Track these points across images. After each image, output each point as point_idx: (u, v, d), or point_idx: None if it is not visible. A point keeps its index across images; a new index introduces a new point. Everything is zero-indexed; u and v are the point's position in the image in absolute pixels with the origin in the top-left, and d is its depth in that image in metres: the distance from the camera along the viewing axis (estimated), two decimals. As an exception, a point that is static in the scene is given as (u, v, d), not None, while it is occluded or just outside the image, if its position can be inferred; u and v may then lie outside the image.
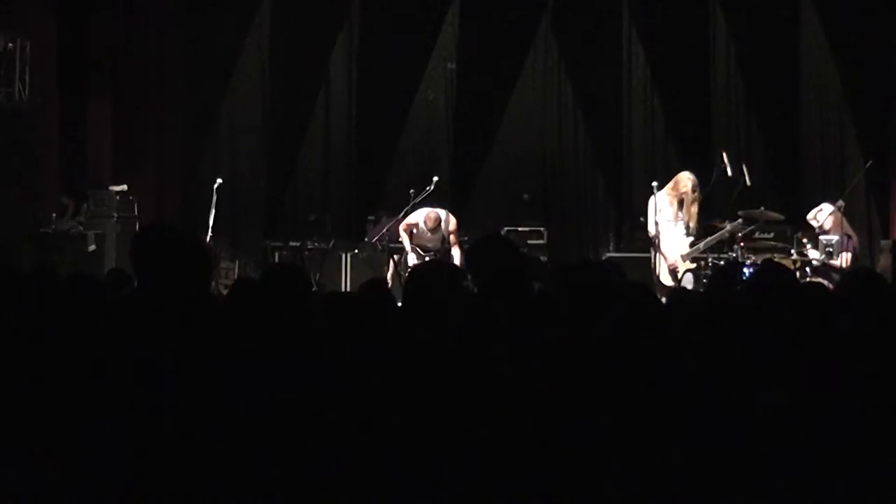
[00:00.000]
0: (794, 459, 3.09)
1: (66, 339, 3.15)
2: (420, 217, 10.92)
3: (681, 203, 10.24)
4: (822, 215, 10.37)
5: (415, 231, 11.00)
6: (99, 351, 3.01)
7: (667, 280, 10.09)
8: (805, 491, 3.04)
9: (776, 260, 10.32)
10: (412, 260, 10.79)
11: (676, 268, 10.11)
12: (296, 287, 3.53)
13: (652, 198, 10.30)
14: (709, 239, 10.23)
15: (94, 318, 3.31)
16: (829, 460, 3.08)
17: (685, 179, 10.31)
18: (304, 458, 2.98)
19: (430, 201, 11.12)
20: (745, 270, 8.54)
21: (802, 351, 3.30)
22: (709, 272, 9.98)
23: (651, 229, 10.24)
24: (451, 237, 10.92)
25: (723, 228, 10.28)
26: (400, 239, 11.12)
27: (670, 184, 10.33)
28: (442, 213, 10.95)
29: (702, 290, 9.20)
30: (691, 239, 10.25)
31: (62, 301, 3.79)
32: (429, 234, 10.94)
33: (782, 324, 3.43)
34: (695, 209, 10.31)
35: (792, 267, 10.31)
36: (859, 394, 3.18)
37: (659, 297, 4.10)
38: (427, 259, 10.51)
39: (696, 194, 10.28)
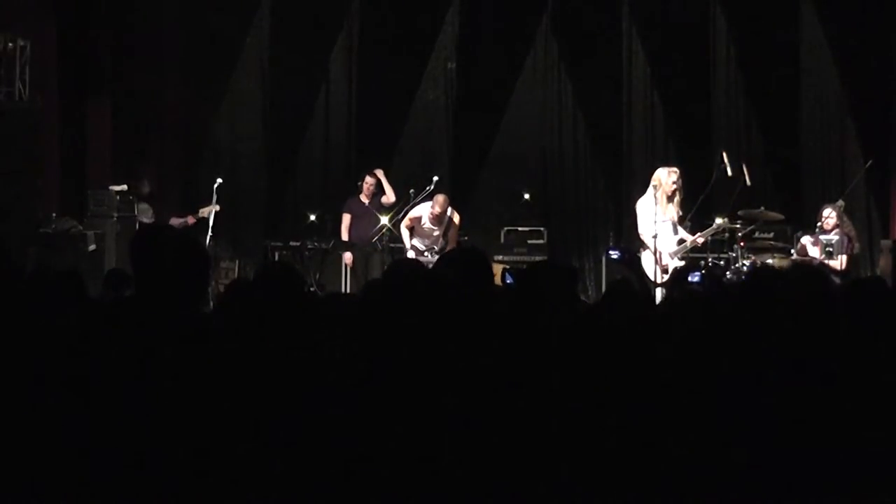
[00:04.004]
0: (790, 461, 3.09)
1: (61, 338, 3.16)
2: (425, 208, 11.05)
3: (670, 199, 10.21)
4: (826, 213, 10.45)
5: (416, 226, 11.15)
6: (95, 351, 3.01)
7: (659, 278, 10.10)
8: (800, 492, 3.04)
9: (774, 260, 10.36)
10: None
11: (668, 266, 10.13)
12: (289, 286, 3.52)
13: (641, 200, 10.31)
14: (695, 236, 10.24)
15: (88, 317, 3.30)
16: (825, 462, 3.08)
17: (665, 174, 10.26)
18: (300, 459, 2.98)
19: (429, 201, 11.19)
20: (695, 274, 8.76)
21: (793, 354, 3.30)
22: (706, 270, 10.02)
23: (643, 231, 10.22)
24: (451, 232, 11.10)
25: (710, 226, 10.34)
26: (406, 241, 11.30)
27: (654, 185, 10.26)
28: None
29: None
30: (679, 237, 10.27)
31: (57, 300, 3.80)
32: (433, 226, 11.07)
33: (773, 326, 3.43)
34: (678, 199, 10.31)
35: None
36: (856, 396, 3.18)
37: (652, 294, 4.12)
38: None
39: (680, 182, 10.25)
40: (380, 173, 11.76)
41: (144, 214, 11.30)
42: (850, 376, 3.26)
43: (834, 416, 3.15)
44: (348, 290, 11.67)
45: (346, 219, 11.75)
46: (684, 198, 10.36)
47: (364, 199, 11.73)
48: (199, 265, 3.26)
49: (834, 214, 10.39)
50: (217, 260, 12.17)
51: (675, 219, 10.26)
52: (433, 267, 3.80)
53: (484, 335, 3.42)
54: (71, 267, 10.11)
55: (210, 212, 11.56)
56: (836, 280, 9.67)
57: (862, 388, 3.23)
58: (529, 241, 12.80)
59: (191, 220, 11.55)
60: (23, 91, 11.33)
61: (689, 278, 8.95)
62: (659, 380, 3.31)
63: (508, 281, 10.03)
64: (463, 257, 3.70)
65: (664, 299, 9.37)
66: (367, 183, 11.73)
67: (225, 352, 3.09)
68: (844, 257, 10.23)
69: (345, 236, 11.75)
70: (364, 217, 11.60)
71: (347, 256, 11.70)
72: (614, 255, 11.65)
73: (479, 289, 3.53)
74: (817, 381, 3.23)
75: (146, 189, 11.48)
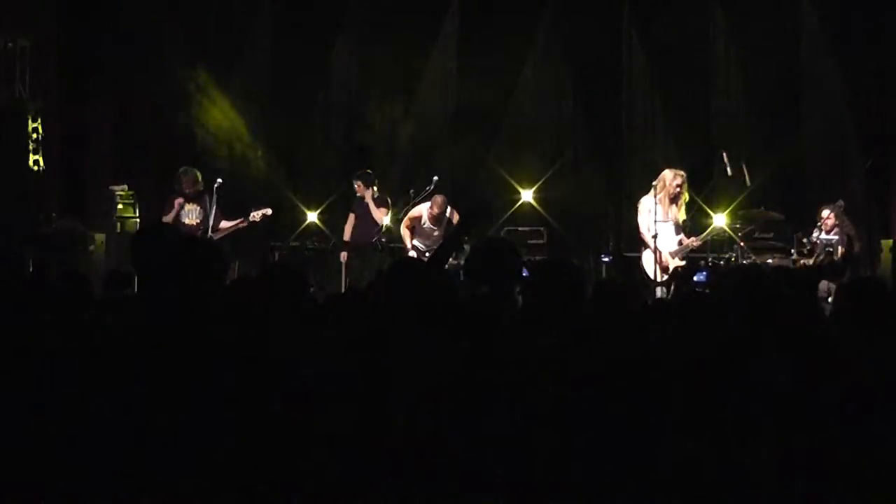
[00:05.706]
0: (790, 460, 3.09)
1: (61, 337, 3.16)
2: (424, 208, 11.09)
3: (672, 200, 10.25)
4: (825, 214, 10.48)
5: (416, 226, 11.18)
6: (93, 349, 3.01)
7: (660, 278, 10.13)
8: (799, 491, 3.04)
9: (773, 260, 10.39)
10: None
11: (668, 265, 10.16)
12: (293, 287, 3.52)
13: (643, 200, 10.34)
14: (690, 240, 10.27)
15: (86, 316, 3.30)
16: (824, 462, 3.08)
17: (671, 176, 10.30)
18: (299, 457, 2.98)
19: (429, 202, 11.20)
20: (701, 273, 8.86)
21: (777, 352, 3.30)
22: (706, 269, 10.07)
23: (644, 230, 10.25)
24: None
25: (710, 226, 10.37)
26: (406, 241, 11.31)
27: (658, 185, 10.30)
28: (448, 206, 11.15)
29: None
30: (680, 237, 10.30)
31: (55, 300, 3.80)
32: (432, 226, 11.10)
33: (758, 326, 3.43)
34: (682, 202, 10.36)
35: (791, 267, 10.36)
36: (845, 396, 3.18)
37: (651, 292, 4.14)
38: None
39: (684, 186, 10.30)
40: (368, 195, 11.58)
41: (188, 216, 11.18)
42: (849, 375, 3.26)
43: (833, 415, 3.15)
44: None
45: (351, 219, 11.75)
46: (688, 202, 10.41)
47: (368, 200, 11.66)
48: (209, 266, 3.25)
49: (832, 215, 10.41)
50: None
51: (678, 220, 10.29)
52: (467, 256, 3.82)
53: (486, 334, 3.42)
54: (71, 267, 10.12)
55: (261, 215, 11.40)
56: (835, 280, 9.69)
57: (862, 388, 3.23)
58: (529, 241, 12.78)
59: (242, 223, 11.37)
60: (23, 91, 11.33)
61: (696, 277, 9.04)
62: (648, 375, 3.31)
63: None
64: (496, 248, 3.70)
65: (666, 297, 9.42)
66: (356, 185, 11.67)
67: (224, 350, 3.09)
68: (841, 249, 10.27)
69: (346, 236, 11.76)
70: (365, 217, 11.59)
71: (342, 255, 11.74)
72: (605, 260, 12.14)
73: (507, 280, 3.54)
74: (817, 380, 3.23)
75: (191, 190, 11.28)
